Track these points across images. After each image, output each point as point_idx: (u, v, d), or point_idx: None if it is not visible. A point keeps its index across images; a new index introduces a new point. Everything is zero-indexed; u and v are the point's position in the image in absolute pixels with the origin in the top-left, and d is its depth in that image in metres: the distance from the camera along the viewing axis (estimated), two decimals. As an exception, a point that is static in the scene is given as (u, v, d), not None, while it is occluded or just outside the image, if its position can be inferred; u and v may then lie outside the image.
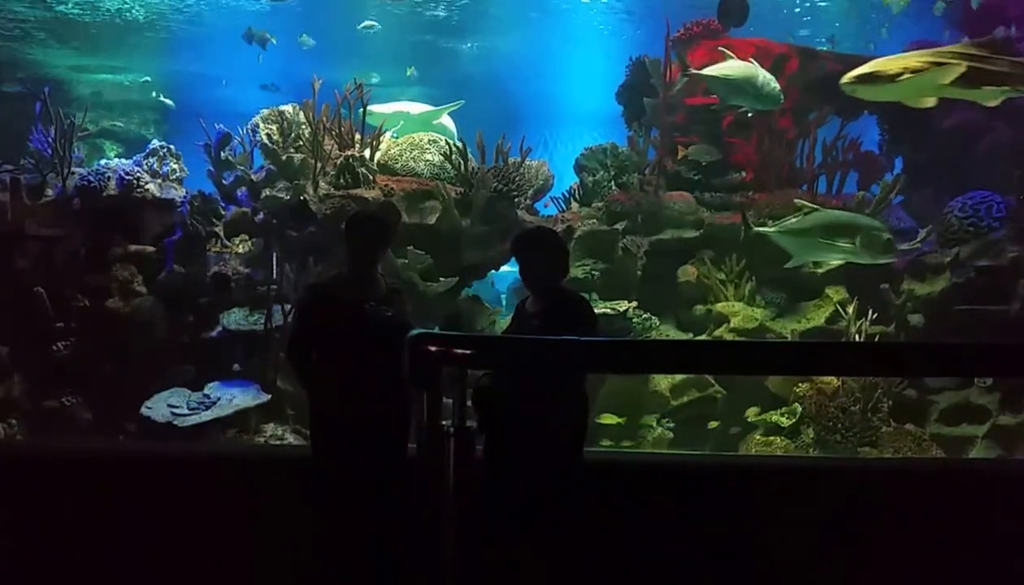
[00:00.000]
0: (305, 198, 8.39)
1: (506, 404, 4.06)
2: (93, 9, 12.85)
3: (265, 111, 9.45)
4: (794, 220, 7.59)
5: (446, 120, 11.21)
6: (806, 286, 8.60)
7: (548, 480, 4.09)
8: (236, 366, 8.08)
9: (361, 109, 9.14)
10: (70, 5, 12.65)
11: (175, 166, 9.32)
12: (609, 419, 7.71)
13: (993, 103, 7.34)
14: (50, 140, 8.60)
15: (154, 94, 14.54)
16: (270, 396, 7.79)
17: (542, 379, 4.04)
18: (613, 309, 8.28)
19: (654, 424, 8.00)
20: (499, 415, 4.03)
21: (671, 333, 8.53)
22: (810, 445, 7.66)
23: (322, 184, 8.61)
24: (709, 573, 4.83)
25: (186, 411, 7.57)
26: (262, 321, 8.07)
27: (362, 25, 12.71)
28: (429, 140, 9.61)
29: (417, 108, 10.93)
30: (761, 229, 7.78)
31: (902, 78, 6.96)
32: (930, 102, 7.39)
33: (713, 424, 7.99)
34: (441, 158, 9.22)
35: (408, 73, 13.49)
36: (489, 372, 4.12)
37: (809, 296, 8.60)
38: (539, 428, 4.08)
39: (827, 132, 9.19)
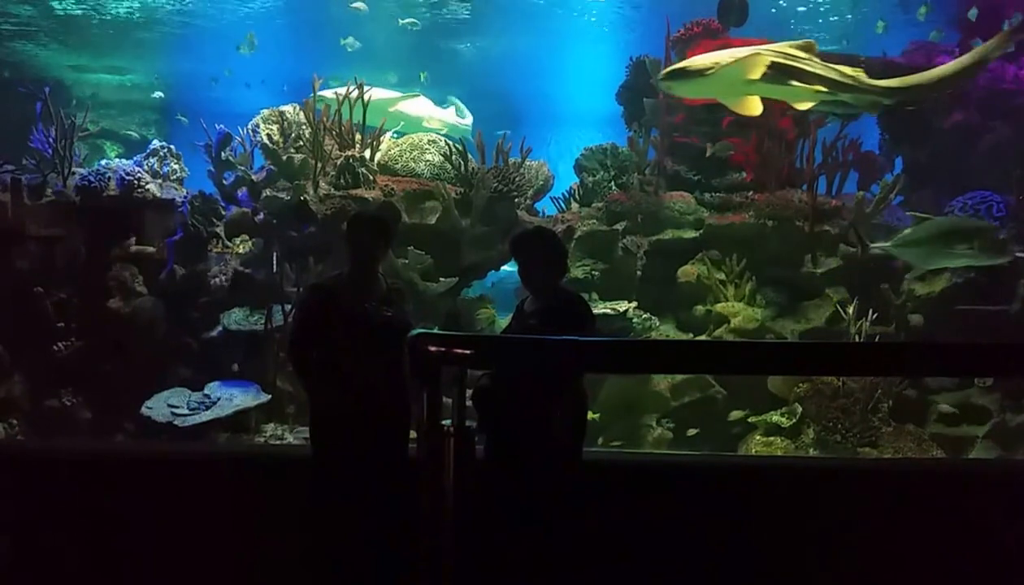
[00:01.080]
0: (305, 198, 8.40)
1: (505, 404, 4.06)
2: (94, 9, 12.85)
3: (265, 111, 9.48)
4: (908, 231, 7.60)
5: (453, 117, 11.06)
6: (806, 286, 8.60)
7: (547, 479, 4.09)
8: (234, 366, 8.08)
9: (312, 94, 9.13)
10: (70, 4, 12.64)
11: (175, 166, 9.34)
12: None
13: (805, 106, 7.54)
14: (51, 140, 8.61)
15: (157, 95, 14.50)
16: (270, 396, 7.80)
17: (541, 379, 4.04)
18: (613, 309, 8.28)
19: (654, 424, 8.01)
20: (498, 415, 4.03)
21: (671, 333, 8.52)
22: (810, 445, 7.66)
23: (322, 184, 8.62)
24: (709, 573, 4.83)
25: (186, 411, 7.58)
26: (262, 321, 8.08)
27: (404, 21, 12.73)
28: (429, 140, 9.62)
29: (374, 94, 10.71)
30: (878, 245, 7.81)
31: (710, 72, 7.08)
32: (755, 106, 7.51)
33: (691, 432, 7.97)
34: (441, 158, 9.24)
35: (422, 77, 13.47)
36: (488, 372, 4.12)
37: (809, 296, 8.60)
38: (538, 427, 4.08)
39: (827, 132, 9.18)
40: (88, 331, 8.18)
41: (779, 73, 7.16)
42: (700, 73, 7.17)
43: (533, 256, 4.43)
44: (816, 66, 7.29)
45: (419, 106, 11.09)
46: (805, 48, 7.30)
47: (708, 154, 9.17)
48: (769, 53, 7.15)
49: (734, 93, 7.48)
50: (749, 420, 7.97)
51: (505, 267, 9.01)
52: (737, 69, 7.04)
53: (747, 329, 8.20)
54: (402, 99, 10.60)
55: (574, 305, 4.38)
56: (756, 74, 7.04)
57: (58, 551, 4.95)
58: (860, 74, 7.34)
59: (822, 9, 13.48)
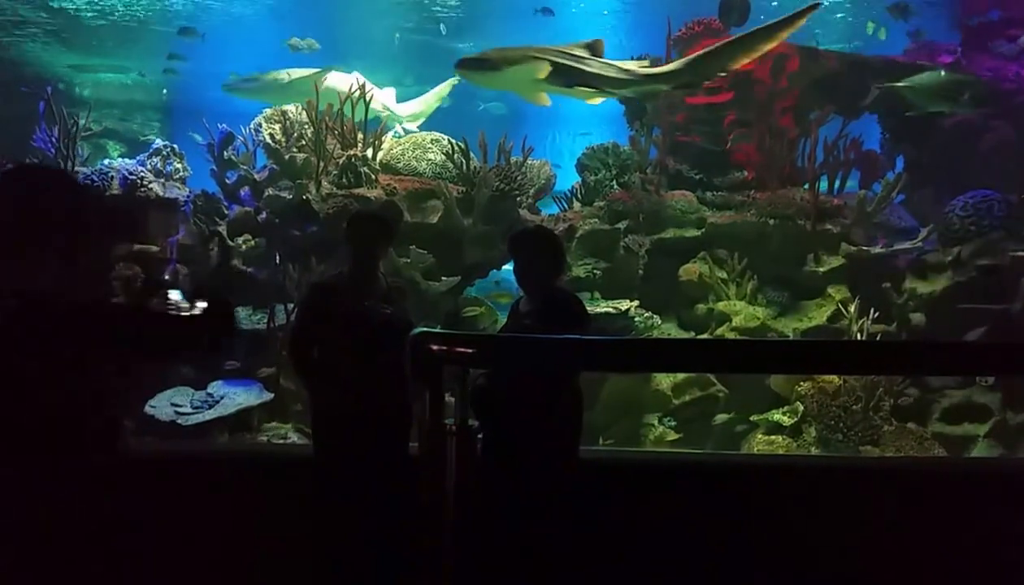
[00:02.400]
0: (308, 197, 8.42)
1: (502, 403, 4.05)
2: (95, 8, 12.86)
3: (268, 110, 9.51)
4: None
5: (391, 101, 10.58)
6: (808, 285, 8.61)
7: (544, 478, 4.09)
8: (234, 364, 8.07)
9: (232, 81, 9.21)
10: (72, 3, 12.65)
11: (178, 166, 9.34)
12: None
13: (592, 101, 7.95)
14: (54, 140, 8.62)
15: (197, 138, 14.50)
16: (273, 395, 7.81)
17: (538, 378, 4.04)
18: (615, 308, 8.28)
19: (656, 423, 8.02)
20: (495, 414, 4.03)
21: (673, 332, 8.53)
22: (812, 444, 7.67)
23: (325, 183, 8.64)
24: (709, 572, 4.84)
25: (190, 410, 7.59)
26: (264, 320, 8.10)
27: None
28: (431, 139, 9.63)
29: (297, 73, 10.30)
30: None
31: (502, 69, 7.47)
32: (544, 99, 7.98)
33: (672, 436, 7.95)
34: (443, 157, 9.25)
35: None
36: (485, 372, 4.11)
37: (811, 295, 8.61)
38: (535, 427, 4.08)
39: (829, 131, 9.19)
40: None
41: (562, 73, 7.55)
42: (492, 68, 7.55)
43: (529, 255, 4.41)
44: (595, 65, 7.67)
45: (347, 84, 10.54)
46: (590, 47, 7.67)
47: (728, 146, 9.20)
48: (552, 54, 7.53)
49: (522, 89, 7.92)
50: (751, 418, 7.98)
51: (507, 266, 9.03)
52: (524, 69, 7.43)
53: (749, 328, 8.21)
54: (318, 75, 10.11)
55: (570, 305, 4.36)
56: (541, 75, 7.42)
57: (59, 550, 4.95)
58: (639, 67, 7.83)
59: (825, 9, 13.49)
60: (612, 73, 7.70)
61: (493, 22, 13.62)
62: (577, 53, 7.65)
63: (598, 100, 7.92)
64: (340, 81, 9.94)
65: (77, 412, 2.83)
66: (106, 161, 9.48)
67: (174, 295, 3.43)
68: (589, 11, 13.56)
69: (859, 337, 7.88)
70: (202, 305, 2.96)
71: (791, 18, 7.11)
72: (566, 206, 9.78)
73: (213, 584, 5.02)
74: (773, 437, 7.78)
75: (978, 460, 7.38)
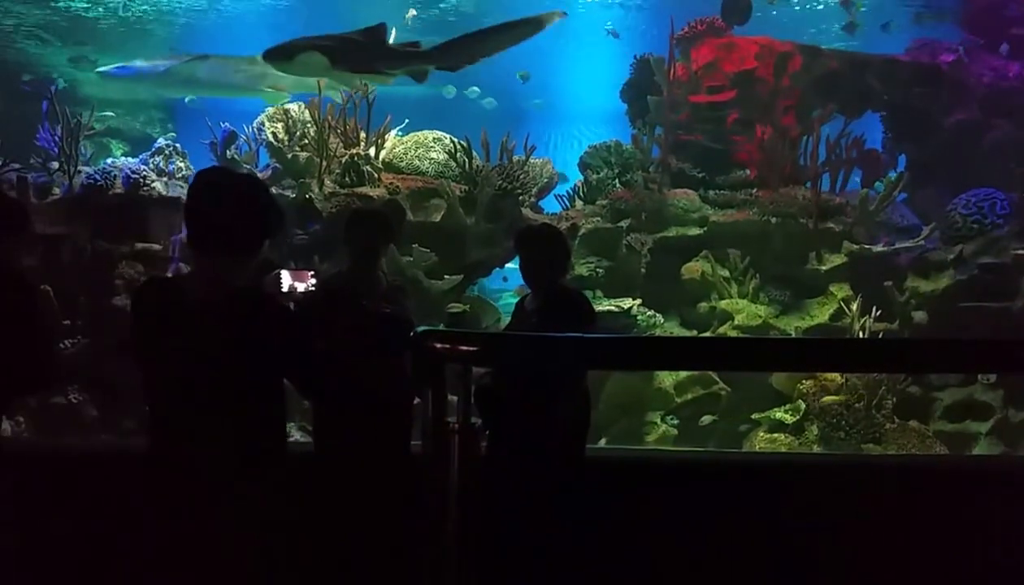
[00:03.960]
0: (310, 196, 8.42)
1: (507, 402, 4.06)
2: (97, 6, 12.85)
3: (271, 109, 9.51)
4: None
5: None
6: (810, 283, 8.61)
7: (549, 477, 4.09)
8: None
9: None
10: (74, 1, 12.65)
11: (181, 164, 9.36)
12: None
13: (385, 83, 8.33)
14: (57, 138, 8.63)
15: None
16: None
17: (543, 376, 4.04)
18: (617, 307, 8.30)
19: (658, 421, 8.03)
20: (501, 414, 4.03)
21: (675, 330, 8.54)
22: (814, 442, 7.68)
23: (327, 182, 8.64)
24: (711, 570, 4.85)
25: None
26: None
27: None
28: (434, 138, 9.63)
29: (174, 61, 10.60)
30: None
31: (293, 59, 7.70)
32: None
33: (652, 437, 7.95)
34: (446, 156, 9.25)
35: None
36: (489, 370, 4.12)
37: (813, 293, 8.61)
38: (540, 425, 4.08)
39: (831, 130, 9.19)
40: (94, 329, 8.20)
41: (346, 59, 7.77)
42: (285, 58, 7.75)
43: (534, 254, 4.43)
44: (381, 49, 7.93)
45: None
46: (373, 33, 7.90)
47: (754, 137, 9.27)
48: (334, 42, 7.75)
49: (315, 74, 8.20)
50: (752, 417, 7.99)
51: (510, 264, 9.04)
52: (307, 59, 7.62)
53: (751, 326, 8.21)
54: (196, 60, 10.17)
55: (573, 302, 4.38)
56: (323, 64, 7.63)
57: (62, 549, 4.97)
58: (415, 49, 8.10)
59: (821, 7, 13.47)
60: (394, 55, 7.97)
61: (494, 18, 13.58)
62: (356, 39, 7.85)
63: (388, 81, 8.17)
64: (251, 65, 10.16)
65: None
66: (109, 160, 9.50)
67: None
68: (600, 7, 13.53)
69: (861, 335, 7.88)
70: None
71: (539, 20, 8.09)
72: (568, 204, 9.79)
73: (212, 582, 5.03)
74: (775, 435, 7.79)
75: (980, 458, 7.39)
